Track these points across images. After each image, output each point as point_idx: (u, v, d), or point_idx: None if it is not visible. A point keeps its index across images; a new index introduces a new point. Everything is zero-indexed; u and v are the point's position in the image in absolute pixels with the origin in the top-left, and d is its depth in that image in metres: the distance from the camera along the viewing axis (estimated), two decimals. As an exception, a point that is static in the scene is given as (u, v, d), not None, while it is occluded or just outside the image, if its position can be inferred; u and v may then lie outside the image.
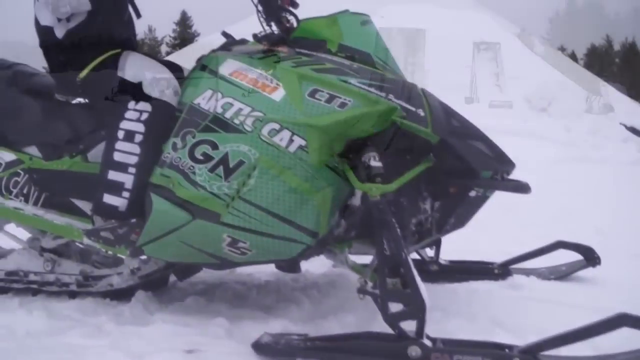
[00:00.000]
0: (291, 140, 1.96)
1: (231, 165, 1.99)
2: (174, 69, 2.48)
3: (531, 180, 2.12)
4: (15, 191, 2.48)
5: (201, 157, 2.02)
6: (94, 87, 2.34)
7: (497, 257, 2.85)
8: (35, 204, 2.47)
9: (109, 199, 2.20)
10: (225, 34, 2.48)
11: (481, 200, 2.17)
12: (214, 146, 2.01)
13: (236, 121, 2.00)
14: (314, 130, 1.95)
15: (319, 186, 1.97)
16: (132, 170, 2.18)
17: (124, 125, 2.20)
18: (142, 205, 2.15)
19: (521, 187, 2.12)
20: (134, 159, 2.18)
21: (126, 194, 2.18)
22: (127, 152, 2.19)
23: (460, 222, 2.24)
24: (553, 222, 3.77)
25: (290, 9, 2.29)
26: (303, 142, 1.95)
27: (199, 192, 2.02)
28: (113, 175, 2.20)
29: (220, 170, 1.99)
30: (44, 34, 2.41)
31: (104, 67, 2.31)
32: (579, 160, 7.89)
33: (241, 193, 1.98)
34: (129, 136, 2.19)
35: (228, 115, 2.02)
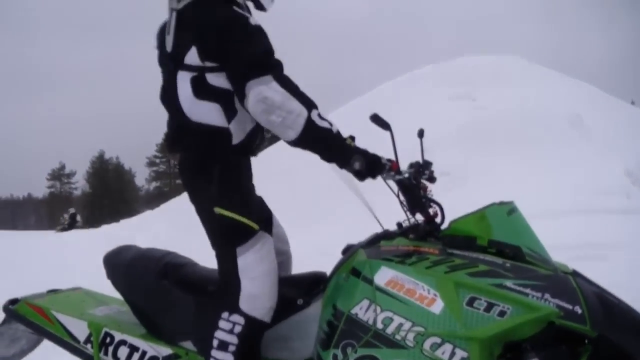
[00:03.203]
0: (453, 353, 1.97)
1: None
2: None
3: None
4: None
5: None
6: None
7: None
8: None
9: None
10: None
11: None
12: None
13: (398, 337, 2.03)
14: (475, 343, 1.95)
15: None
16: None
17: (218, 334, 2.30)
18: None
19: None
20: None
21: None
22: None
23: None
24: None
25: (434, 198, 2.34)
26: (465, 354, 1.96)
27: None
28: None
29: None
30: (205, 131, 2.34)
31: (234, 230, 2.35)
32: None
33: None
34: (223, 346, 2.29)
35: (389, 330, 2.05)
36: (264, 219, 2.51)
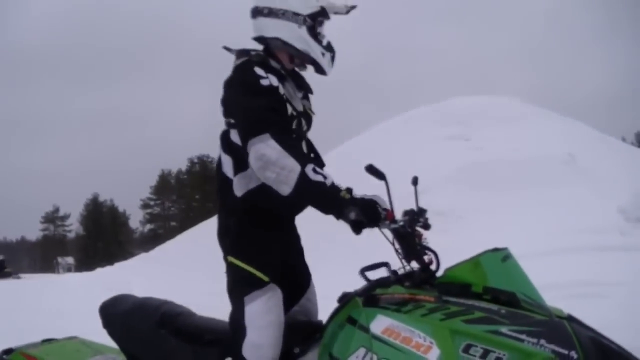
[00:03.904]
0: None
1: None
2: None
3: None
4: None
5: None
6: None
7: None
8: None
9: None
10: (363, 273, 2.50)
11: None
12: None
13: None
14: None
15: None
16: None
17: None
18: None
19: None
20: None
21: None
22: None
23: None
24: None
25: (429, 246, 2.34)
26: None
27: None
28: None
29: None
30: (222, 180, 2.55)
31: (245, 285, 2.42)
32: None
33: None
34: None
35: None
36: (293, 280, 2.62)
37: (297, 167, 2.21)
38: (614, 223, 10.62)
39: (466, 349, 1.99)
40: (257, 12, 2.58)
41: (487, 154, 13.58)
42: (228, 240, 2.50)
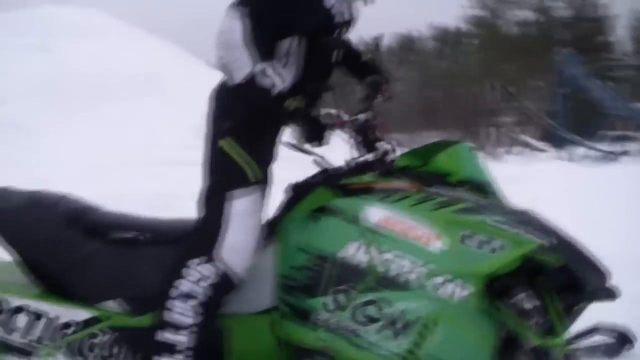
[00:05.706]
0: (454, 292, 1.87)
1: (400, 324, 1.87)
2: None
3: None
4: (93, 354, 2.07)
5: (364, 319, 1.89)
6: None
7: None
8: None
9: None
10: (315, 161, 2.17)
11: (581, 311, 2.12)
12: (379, 307, 1.88)
13: (401, 279, 1.88)
14: (479, 279, 1.87)
15: (485, 333, 1.90)
16: (185, 332, 1.96)
17: (181, 284, 1.97)
18: None
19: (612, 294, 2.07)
20: (188, 321, 1.97)
21: (179, 356, 1.95)
22: (180, 313, 1.97)
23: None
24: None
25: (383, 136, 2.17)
26: (468, 292, 1.87)
27: (368, 356, 1.88)
28: (163, 336, 1.97)
29: (389, 331, 1.87)
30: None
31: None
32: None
33: (416, 353, 1.86)
34: (185, 297, 1.97)
35: (391, 273, 1.89)
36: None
37: (247, 65, 1.88)
38: (188, 139, 9.94)
39: (464, 239, 1.91)
40: None
41: (68, 67, 12.58)
42: (228, 122, 2.02)
